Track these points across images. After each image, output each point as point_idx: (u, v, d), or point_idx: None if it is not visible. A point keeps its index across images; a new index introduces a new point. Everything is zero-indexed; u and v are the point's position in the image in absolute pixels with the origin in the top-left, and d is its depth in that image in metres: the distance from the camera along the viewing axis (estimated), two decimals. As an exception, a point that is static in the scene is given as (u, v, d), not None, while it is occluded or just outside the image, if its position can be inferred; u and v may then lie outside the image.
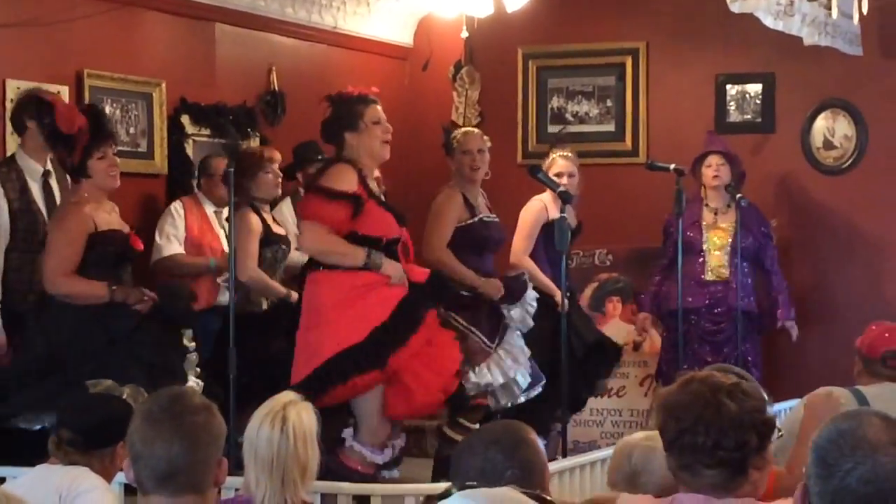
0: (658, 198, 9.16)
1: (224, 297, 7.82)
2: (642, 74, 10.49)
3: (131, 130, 8.64)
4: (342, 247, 6.74)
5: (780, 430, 3.95)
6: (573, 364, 7.66)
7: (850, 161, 10.01)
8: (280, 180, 8.14)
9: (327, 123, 7.05)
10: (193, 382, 6.62)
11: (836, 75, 9.88)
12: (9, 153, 7.51)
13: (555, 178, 8.26)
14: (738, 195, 8.92)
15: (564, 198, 7.46)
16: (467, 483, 3.33)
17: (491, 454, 3.54)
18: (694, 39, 10.27)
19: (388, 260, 6.79)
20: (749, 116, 10.28)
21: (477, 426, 7.49)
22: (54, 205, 7.29)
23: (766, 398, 3.48)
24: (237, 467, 4.54)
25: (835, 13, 7.06)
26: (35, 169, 7.35)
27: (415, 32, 11.08)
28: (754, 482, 3.43)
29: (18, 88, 7.61)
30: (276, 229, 8.06)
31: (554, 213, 8.25)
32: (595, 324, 8.91)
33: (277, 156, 8.22)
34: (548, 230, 8.18)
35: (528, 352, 7.69)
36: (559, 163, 8.48)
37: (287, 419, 4.33)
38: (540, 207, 8.44)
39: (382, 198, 6.97)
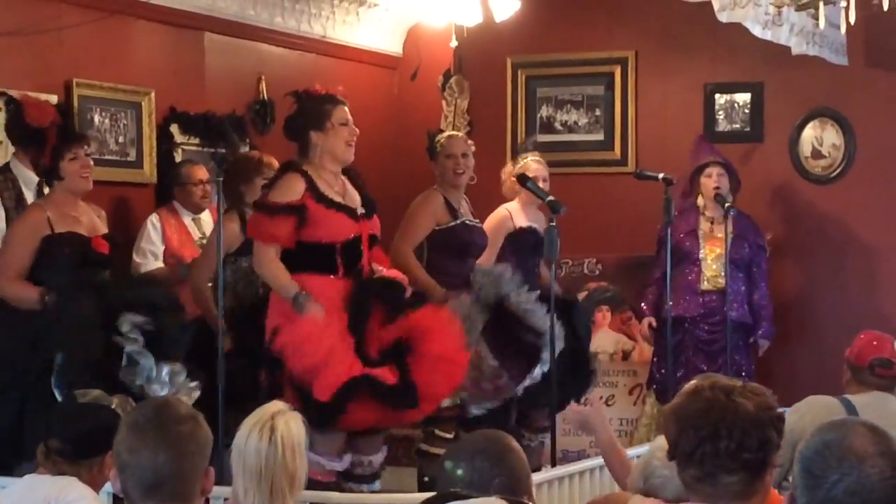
0: (647, 207, 9.16)
1: None
2: (631, 84, 10.51)
3: (120, 139, 8.63)
4: (280, 278, 6.64)
5: None
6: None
7: (838, 170, 10.03)
8: None
9: (291, 120, 6.97)
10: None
11: (825, 85, 9.90)
12: (1, 161, 7.52)
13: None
14: (727, 204, 8.92)
15: (554, 207, 7.27)
16: (452, 490, 3.33)
17: (478, 463, 3.53)
18: (682, 49, 10.29)
19: (314, 305, 6.57)
20: (737, 126, 10.29)
21: (453, 435, 7.49)
22: None
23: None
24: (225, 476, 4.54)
25: (822, 23, 7.06)
26: (30, 178, 7.35)
27: (404, 41, 11.09)
28: (767, 485, 3.39)
29: (4, 96, 7.59)
30: None
31: (521, 222, 8.21)
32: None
33: (275, 162, 8.12)
34: (514, 239, 8.15)
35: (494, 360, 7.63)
36: (533, 167, 8.36)
37: (275, 429, 4.32)
38: (504, 216, 8.32)
39: (336, 198, 6.79)
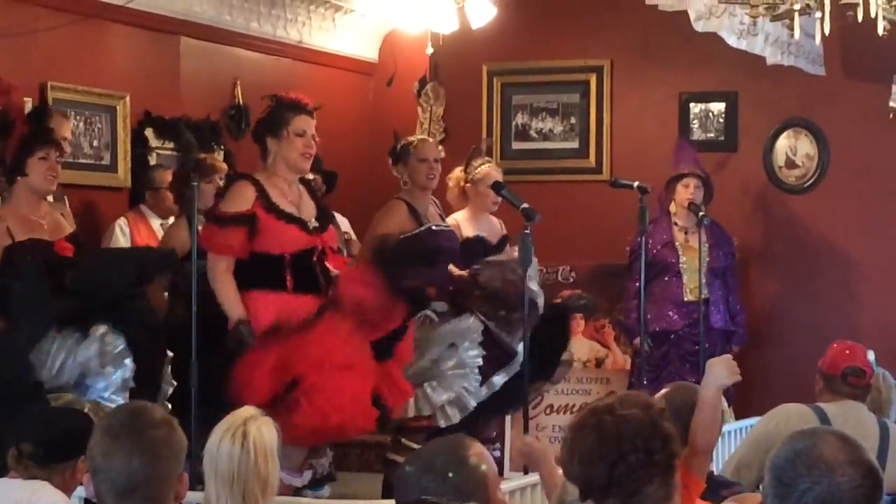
0: (621, 215, 9.18)
1: None
2: (606, 92, 10.54)
3: (95, 143, 8.61)
4: (228, 299, 6.55)
5: None
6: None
7: (811, 180, 10.07)
8: None
9: (256, 123, 6.93)
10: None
11: (799, 95, 9.94)
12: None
13: (490, 190, 8.06)
14: (702, 213, 8.94)
15: (528, 215, 7.22)
16: (423, 497, 3.32)
17: (424, 483, 3.46)
18: (658, 58, 10.32)
19: (252, 339, 6.52)
20: (712, 135, 10.33)
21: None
22: None
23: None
24: (197, 482, 4.53)
25: (797, 33, 7.08)
26: None
27: (380, 48, 11.10)
28: (678, 479, 3.38)
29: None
30: None
31: (468, 231, 8.06)
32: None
33: (223, 166, 8.03)
34: (463, 249, 7.90)
35: (478, 360, 7.61)
36: (492, 175, 8.19)
37: (248, 434, 4.30)
38: (452, 225, 8.08)
39: (288, 209, 6.69)
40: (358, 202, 9.49)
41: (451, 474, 3.44)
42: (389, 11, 10.26)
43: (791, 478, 3.00)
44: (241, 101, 9.61)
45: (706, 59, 9.97)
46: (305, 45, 10.33)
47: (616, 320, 9.66)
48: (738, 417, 8.62)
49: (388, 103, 10.96)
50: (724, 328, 9.17)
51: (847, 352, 6.19)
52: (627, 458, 3.23)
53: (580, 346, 9.75)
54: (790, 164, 10.12)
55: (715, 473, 5.01)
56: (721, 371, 4.60)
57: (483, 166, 8.25)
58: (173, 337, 7.39)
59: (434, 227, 7.58)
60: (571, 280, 9.91)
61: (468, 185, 8.19)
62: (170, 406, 6.39)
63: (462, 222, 8.11)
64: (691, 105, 10.35)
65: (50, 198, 7.10)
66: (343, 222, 8.80)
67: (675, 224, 9.26)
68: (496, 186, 7.84)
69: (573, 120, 10.67)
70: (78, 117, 8.46)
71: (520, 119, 10.79)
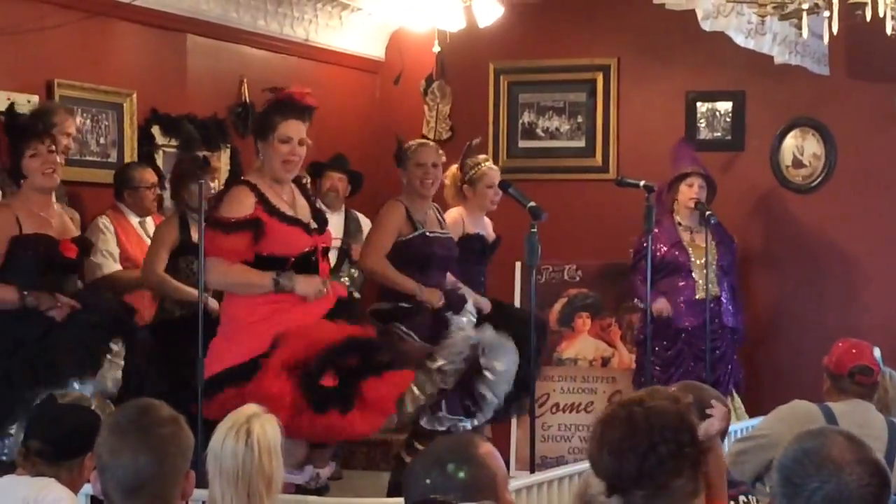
0: (628, 214, 9.17)
1: None
2: (613, 91, 10.53)
3: (101, 141, 8.61)
4: (248, 276, 6.50)
5: None
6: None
7: (818, 179, 10.06)
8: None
9: (253, 124, 6.85)
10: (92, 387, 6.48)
11: (806, 94, 9.93)
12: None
13: (488, 190, 8.10)
14: (708, 213, 8.95)
15: (535, 214, 7.23)
16: (432, 497, 3.31)
17: (432, 480, 3.47)
18: (665, 57, 10.31)
19: (300, 278, 6.51)
20: (719, 134, 10.32)
21: None
22: None
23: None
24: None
25: (805, 32, 7.08)
26: None
27: (386, 46, 11.09)
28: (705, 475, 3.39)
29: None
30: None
31: (469, 228, 8.08)
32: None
33: (218, 165, 8.00)
34: (461, 244, 7.93)
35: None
36: (491, 175, 8.21)
37: (251, 432, 4.31)
38: (457, 219, 8.11)
39: (288, 211, 6.65)
40: (364, 201, 9.48)
41: (459, 472, 3.41)
42: (396, 9, 10.25)
43: (800, 477, 3.01)
44: (247, 98, 9.60)
45: (713, 58, 9.96)
46: (312, 43, 10.33)
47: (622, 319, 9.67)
48: (750, 416, 8.63)
49: (394, 102, 10.96)
50: (735, 326, 9.19)
51: (854, 350, 6.19)
52: (658, 448, 3.26)
53: (586, 345, 9.76)
54: (797, 163, 10.11)
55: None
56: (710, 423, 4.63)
57: (482, 166, 8.23)
58: (165, 334, 7.43)
59: (428, 234, 7.54)
60: (577, 279, 9.92)
61: (465, 185, 8.18)
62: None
63: (465, 217, 8.12)
64: (698, 104, 10.34)
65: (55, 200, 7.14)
66: (366, 223, 8.81)
67: (679, 224, 9.26)
68: (503, 185, 7.83)
69: (580, 118, 10.66)
70: (85, 115, 8.46)
71: (526, 117, 10.78)
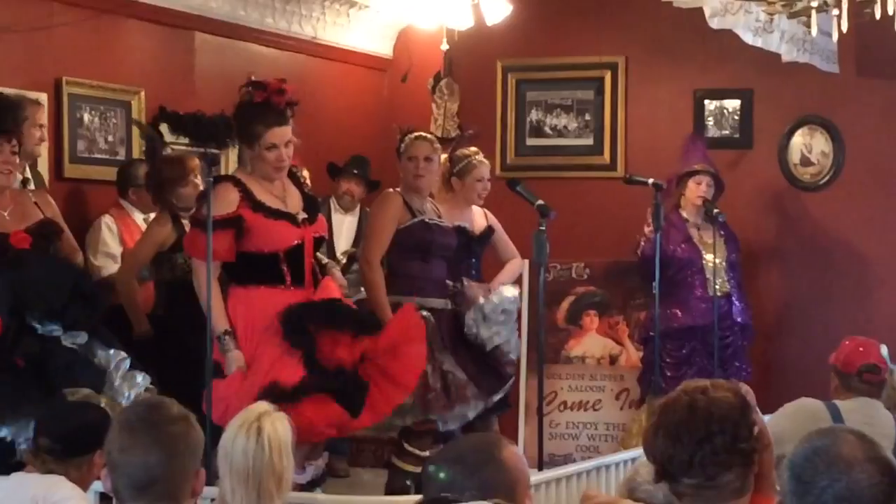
0: (636, 212, 9.16)
1: None
2: (621, 89, 10.52)
3: (109, 138, 8.61)
4: (213, 308, 6.34)
5: None
6: None
7: (827, 177, 10.05)
8: (201, 189, 7.56)
9: (235, 125, 6.73)
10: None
11: (814, 92, 9.92)
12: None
13: (477, 184, 8.03)
14: (716, 210, 8.95)
15: (543, 212, 7.22)
16: (443, 495, 3.31)
17: (453, 472, 3.46)
18: (673, 54, 10.31)
19: (233, 355, 6.38)
20: (727, 132, 10.31)
21: (427, 453, 7.26)
22: None
23: None
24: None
25: (814, 30, 7.08)
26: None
27: (394, 44, 11.09)
28: (752, 480, 3.39)
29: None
30: None
31: (452, 221, 7.88)
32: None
33: (195, 163, 7.93)
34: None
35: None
36: (482, 170, 8.13)
37: (262, 430, 4.32)
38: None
39: (275, 205, 6.57)
40: (369, 198, 9.47)
41: (480, 469, 3.40)
42: (404, 7, 10.24)
43: (810, 476, 3.01)
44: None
45: (721, 56, 9.95)
46: (320, 41, 10.33)
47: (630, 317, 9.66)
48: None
49: (402, 99, 10.95)
50: (745, 322, 9.19)
51: (861, 349, 6.19)
52: (714, 438, 3.27)
53: (594, 343, 9.75)
54: (805, 161, 10.10)
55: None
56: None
57: (472, 159, 8.12)
58: (163, 331, 7.44)
59: (427, 220, 7.49)
60: (585, 276, 9.91)
61: (454, 176, 8.08)
62: None
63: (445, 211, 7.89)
64: (706, 102, 10.33)
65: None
66: None
67: (686, 221, 9.26)
68: (511, 183, 7.75)
69: (588, 116, 10.65)
70: (93, 112, 8.47)
71: (534, 115, 10.78)
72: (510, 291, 7.83)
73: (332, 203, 9.16)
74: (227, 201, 6.45)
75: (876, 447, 3.10)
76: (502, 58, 10.75)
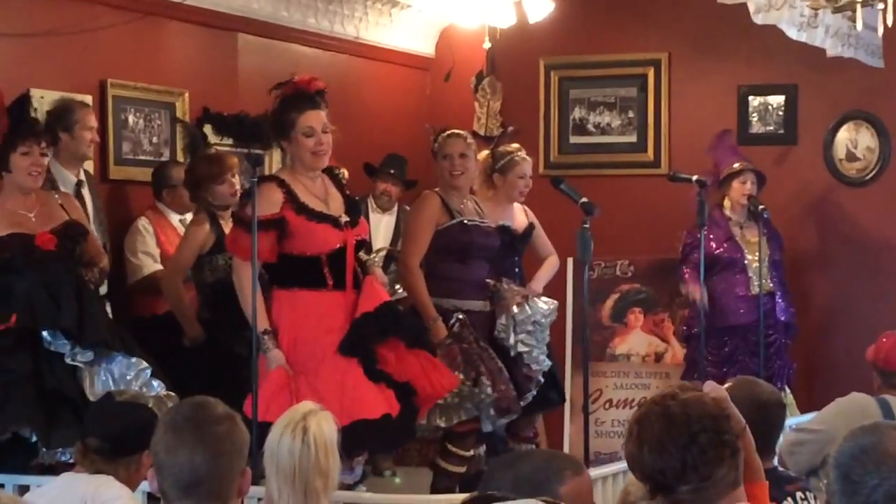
0: (680, 209, 9.13)
1: None
2: (664, 85, 10.49)
3: (154, 140, 8.65)
4: (250, 306, 6.33)
5: None
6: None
7: (873, 173, 9.99)
8: (237, 188, 7.67)
9: (271, 125, 6.74)
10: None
11: (859, 87, 9.86)
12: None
13: (519, 181, 7.99)
14: (762, 207, 8.92)
15: (587, 209, 7.18)
16: (490, 493, 3.29)
17: (516, 487, 3.40)
18: (716, 51, 10.27)
19: (274, 353, 6.37)
20: (771, 128, 10.27)
21: (471, 453, 7.33)
22: (87, 214, 7.22)
23: None
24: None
25: (859, 25, 7.03)
26: (68, 179, 7.35)
27: (437, 43, 11.10)
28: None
29: (42, 98, 7.57)
30: None
31: (495, 220, 7.84)
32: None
33: (234, 162, 7.95)
34: None
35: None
36: (524, 167, 8.06)
37: (308, 429, 4.32)
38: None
39: (318, 207, 6.54)
40: (411, 197, 9.48)
41: (541, 493, 3.20)
42: (446, 6, 10.24)
43: (858, 474, 2.99)
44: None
45: (765, 51, 9.91)
46: (362, 41, 10.35)
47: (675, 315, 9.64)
48: (802, 411, 8.58)
49: (445, 98, 10.95)
50: (788, 321, 9.15)
51: (902, 345, 6.15)
52: (698, 439, 3.22)
53: (639, 341, 9.74)
54: (851, 156, 10.05)
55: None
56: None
57: (515, 155, 8.07)
58: (210, 333, 7.46)
59: (466, 221, 7.44)
60: (630, 274, 9.89)
61: (496, 173, 8.03)
62: None
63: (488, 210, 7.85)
64: (750, 98, 10.29)
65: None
66: None
67: (730, 219, 9.23)
68: (555, 181, 7.71)
69: (631, 114, 10.63)
70: (137, 114, 8.51)
71: (577, 113, 10.76)
72: (545, 304, 7.67)
73: (370, 202, 9.17)
74: (271, 202, 6.42)
75: (920, 443, 3.07)
76: (545, 56, 10.74)
